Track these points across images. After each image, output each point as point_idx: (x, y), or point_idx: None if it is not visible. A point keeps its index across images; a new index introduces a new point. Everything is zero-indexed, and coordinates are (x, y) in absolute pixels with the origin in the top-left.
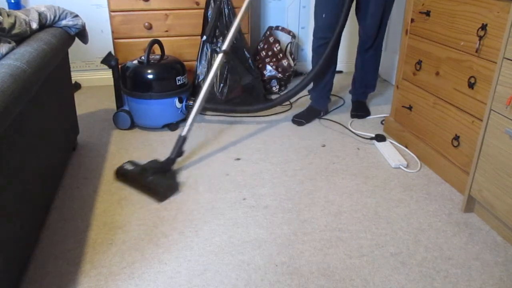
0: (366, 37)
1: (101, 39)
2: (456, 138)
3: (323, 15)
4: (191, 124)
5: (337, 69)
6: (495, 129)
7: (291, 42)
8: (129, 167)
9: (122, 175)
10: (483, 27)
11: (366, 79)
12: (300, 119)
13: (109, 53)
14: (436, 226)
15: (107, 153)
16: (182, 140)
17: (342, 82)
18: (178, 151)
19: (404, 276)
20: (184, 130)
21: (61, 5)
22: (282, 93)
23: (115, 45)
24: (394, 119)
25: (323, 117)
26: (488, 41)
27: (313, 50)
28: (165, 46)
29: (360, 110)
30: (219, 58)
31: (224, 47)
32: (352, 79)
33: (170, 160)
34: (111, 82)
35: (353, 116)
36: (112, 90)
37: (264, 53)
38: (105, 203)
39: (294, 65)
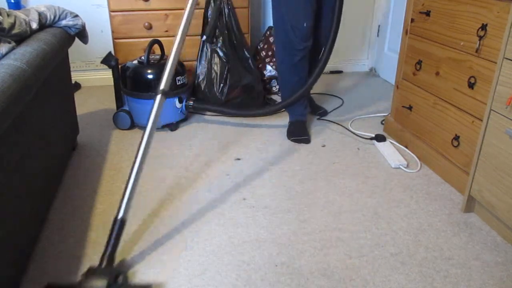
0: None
1: (101, 39)
2: (456, 138)
3: (305, 24)
4: (128, 204)
5: (337, 69)
6: (495, 129)
7: None
8: None
9: None
10: (483, 27)
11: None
12: (301, 137)
13: (109, 53)
14: (436, 226)
15: (107, 153)
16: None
17: (342, 82)
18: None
19: (404, 276)
20: (120, 211)
21: (61, 5)
22: (273, 104)
23: (115, 45)
24: (394, 119)
25: (323, 118)
26: (488, 41)
27: (292, 65)
28: (165, 46)
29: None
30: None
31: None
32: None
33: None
34: (111, 82)
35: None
36: (112, 90)
37: (264, 53)
38: (105, 203)
39: None
